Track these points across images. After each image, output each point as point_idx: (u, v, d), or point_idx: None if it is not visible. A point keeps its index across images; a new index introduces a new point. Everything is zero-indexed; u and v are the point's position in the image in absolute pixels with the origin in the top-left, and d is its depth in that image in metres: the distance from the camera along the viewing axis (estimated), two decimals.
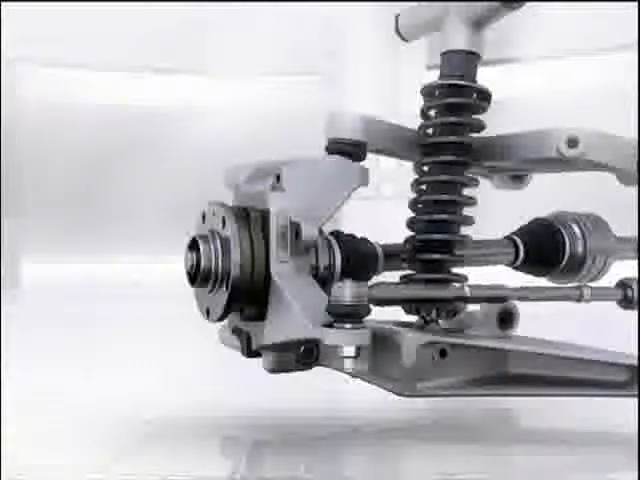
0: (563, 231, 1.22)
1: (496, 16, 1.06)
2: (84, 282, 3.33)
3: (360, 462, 1.12)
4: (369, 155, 1.11)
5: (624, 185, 1.18)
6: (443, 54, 1.10)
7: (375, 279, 1.09)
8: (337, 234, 1.07)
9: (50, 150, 3.75)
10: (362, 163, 1.09)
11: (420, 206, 1.13)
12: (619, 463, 1.05)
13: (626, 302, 1.18)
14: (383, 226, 1.44)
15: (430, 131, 1.13)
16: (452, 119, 1.09)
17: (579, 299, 1.14)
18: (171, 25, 3.61)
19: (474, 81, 1.09)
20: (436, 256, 1.10)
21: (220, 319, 1.04)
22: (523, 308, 1.09)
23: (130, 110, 3.79)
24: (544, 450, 1.10)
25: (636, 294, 1.17)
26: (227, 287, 0.99)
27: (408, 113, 1.18)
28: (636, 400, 1.06)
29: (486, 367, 1.02)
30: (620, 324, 1.37)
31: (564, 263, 1.22)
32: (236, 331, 1.07)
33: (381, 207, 3.11)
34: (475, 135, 1.12)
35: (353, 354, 0.91)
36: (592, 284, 1.18)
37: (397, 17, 1.20)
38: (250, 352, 1.04)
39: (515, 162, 1.18)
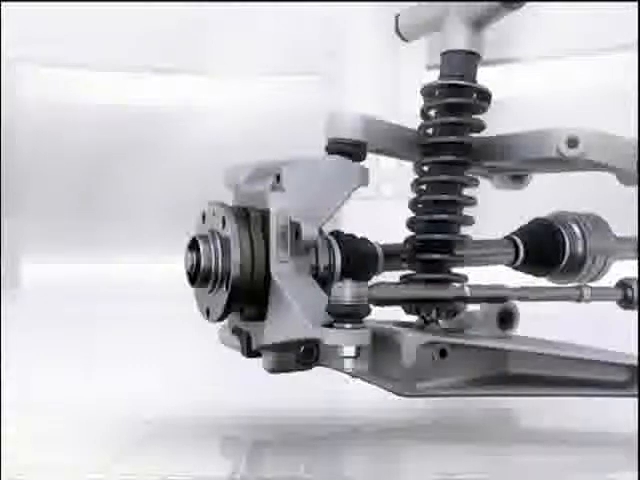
0: (563, 231, 1.22)
1: (496, 16, 1.06)
2: (84, 282, 3.32)
3: (360, 462, 1.12)
4: (369, 155, 1.11)
5: (624, 185, 1.18)
6: (443, 54, 1.10)
7: (375, 279, 1.09)
8: (337, 234, 1.07)
9: (50, 150, 3.75)
10: (362, 163, 1.09)
11: (420, 206, 1.13)
12: (619, 463, 1.05)
13: (626, 302, 1.18)
14: (383, 226, 1.44)
15: (430, 131, 1.13)
16: (452, 119, 1.09)
17: (579, 299, 1.14)
18: (171, 25, 3.60)
19: (474, 81, 1.09)
20: (436, 256, 1.10)
21: (220, 319, 1.04)
22: (523, 308, 1.09)
23: (130, 110, 3.79)
24: (544, 450, 1.09)
25: (636, 294, 1.17)
26: (227, 287, 0.99)
27: (408, 113, 1.18)
28: (636, 400, 1.06)
29: (486, 367, 1.02)
30: (620, 324, 1.37)
31: (564, 263, 1.22)
32: (236, 331, 1.07)
33: (381, 207, 3.11)
34: (475, 135, 1.12)
35: (353, 354, 0.91)
36: (592, 284, 1.18)
37: (397, 17, 1.20)
38: (250, 352, 1.04)
39: (515, 162, 1.18)
